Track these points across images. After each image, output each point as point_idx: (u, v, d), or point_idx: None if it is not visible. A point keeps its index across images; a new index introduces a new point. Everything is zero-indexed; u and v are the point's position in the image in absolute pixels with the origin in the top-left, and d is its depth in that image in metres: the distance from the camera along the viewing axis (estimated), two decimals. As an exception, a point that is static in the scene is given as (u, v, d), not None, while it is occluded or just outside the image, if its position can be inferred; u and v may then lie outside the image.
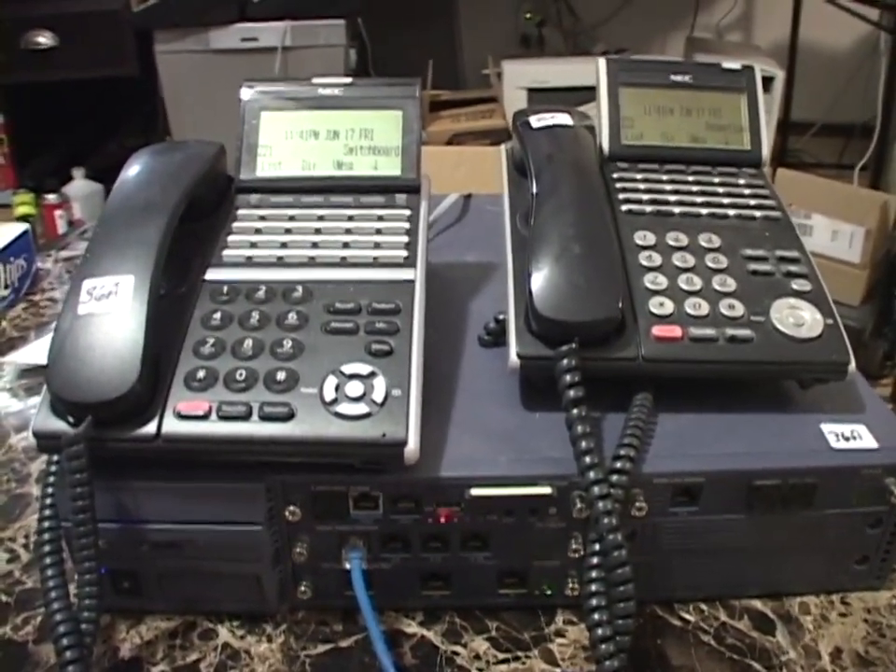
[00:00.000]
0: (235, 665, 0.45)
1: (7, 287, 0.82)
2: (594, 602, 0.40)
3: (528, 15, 2.67)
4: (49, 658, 0.45)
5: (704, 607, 0.49)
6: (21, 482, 0.59)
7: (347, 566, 0.45)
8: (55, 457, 0.46)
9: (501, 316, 0.54)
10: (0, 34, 1.76)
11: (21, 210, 1.91)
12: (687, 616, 0.48)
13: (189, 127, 1.77)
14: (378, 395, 0.43)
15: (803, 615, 0.49)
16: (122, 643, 0.47)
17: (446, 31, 2.57)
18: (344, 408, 0.42)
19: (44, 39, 1.77)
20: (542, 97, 2.06)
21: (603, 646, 0.39)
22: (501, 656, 0.46)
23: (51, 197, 2.02)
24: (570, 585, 0.47)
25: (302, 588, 0.47)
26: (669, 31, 2.72)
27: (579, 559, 0.45)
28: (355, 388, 0.43)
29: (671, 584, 0.49)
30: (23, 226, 0.88)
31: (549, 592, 0.48)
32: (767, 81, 2.08)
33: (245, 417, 0.42)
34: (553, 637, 0.47)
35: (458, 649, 0.46)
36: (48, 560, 0.44)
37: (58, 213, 2.01)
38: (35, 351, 0.74)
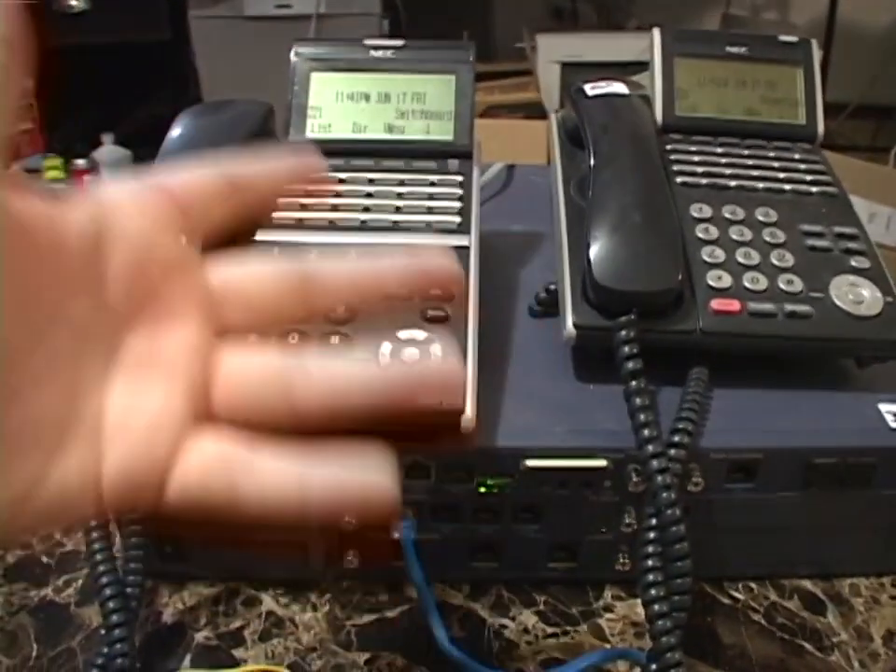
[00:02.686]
0: (280, 632, 0.45)
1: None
2: (650, 577, 0.39)
3: (561, -13, 2.63)
4: (92, 620, 0.45)
5: (753, 585, 0.48)
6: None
7: (396, 535, 0.44)
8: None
9: (552, 286, 0.53)
10: (32, -4, 1.74)
11: (51, 174, 1.91)
12: (737, 594, 0.48)
13: (221, 94, 1.75)
14: (434, 361, 0.42)
15: (854, 597, 0.48)
16: (165, 608, 0.46)
17: (478, 3, 2.54)
18: (400, 374, 0.41)
19: (75, 2, 1.76)
20: (576, 71, 2.03)
21: (660, 622, 0.38)
22: (550, 630, 0.45)
23: (80, 162, 2.01)
24: (621, 560, 0.46)
25: (349, 557, 0.46)
26: (704, 7, 2.68)
27: (631, 534, 0.45)
28: (410, 354, 0.42)
29: (722, 562, 0.48)
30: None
31: (599, 567, 0.47)
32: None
33: None
34: (601, 611, 0.47)
35: (506, 622, 0.46)
36: (92, 522, 0.43)
37: (87, 178, 2.00)
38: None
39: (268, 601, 0.47)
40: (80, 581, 0.48)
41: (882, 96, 2.52)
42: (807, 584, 0.49)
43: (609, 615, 0.46)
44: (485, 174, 0.77)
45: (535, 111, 1.80)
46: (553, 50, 2.06)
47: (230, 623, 0.45)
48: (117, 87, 2.11)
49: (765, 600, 0.48)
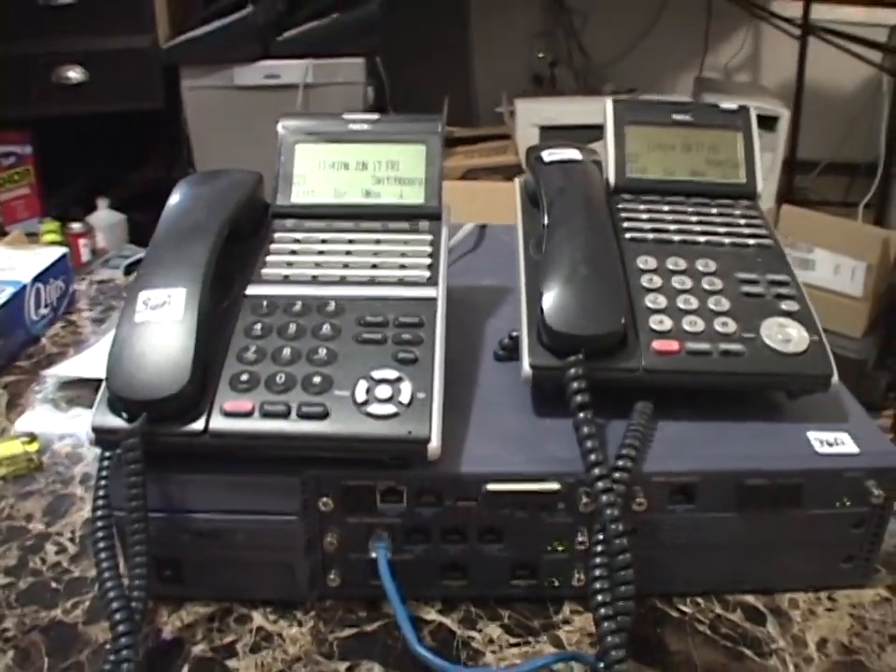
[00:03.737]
0: (269, 645, 0.50)
1: (46, 306, 0.87)
2: (597, 585, 0.44)
3: (541, 54, 2.74)
4: (98, 638, 0.50)
5: (700, 600, 0.53)
6: (66, 483, 0.64)
7: (374, 555, 0.49)
8: (108, 453, 0.50)
9: (515, 333, 0.59)
10: (32, 69, 1.83)
11: (48, 238, 1.97)
12: (684, 608, 0.53)
13: (212, 161, 1.84)
14: (405, 397, 0.47)
15: (792, 609, 0.53)
16: (164, 626, 0.51)
17: (460, 69, 2.64)
18: (374, 408, 0.47)
19: (74, 74, 1.84)
20: (554, 134, 2.12)
21: (605, 624, 0.43)
22: (513, 640, 0.50)
23: (76, 226, 2.08)
24: (577, 577, 0.51)
25: (332, 576, 0.51)
26: (678, 71, 2.80)
27: (584, 552, 0.50)
28: (384, 391, 0.48)
29: (669, 579, 0.53)
30: (62, 250, 0.94)
31: (557, 583, 0.52)
32: (773, 121, 2.14)
33: (285, 415, 0.47)
34: (560, 624, 0.51)
35: (474, 633, 0.51)
36: (101, 545, 0.48)
37: (82, 241, 2.06)
38: (75, 365, 0.79)
39: (258, 618, 0.51)
40: (87, 604, 0.52)
41: (852, 153, 2.62)
42: (750, 599, 0.53)
43: (567, 627, 0.51)
44: (458, 233, 0.83)
45: (513, 173, 1.87)
46: (531, 114, 2.16)
47: (223, 638, 0.50)
48: (112, 154, 2.19)
49: (711, 613, 0.52)
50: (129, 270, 1.24)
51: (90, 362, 0.78)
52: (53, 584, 0.54)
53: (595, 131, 0.69)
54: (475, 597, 0.53)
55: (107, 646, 0.46)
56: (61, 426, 0.71)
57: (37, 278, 0.85)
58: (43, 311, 0.87)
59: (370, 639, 0.50)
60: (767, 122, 2.11)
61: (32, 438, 0.67)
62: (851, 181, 2.65)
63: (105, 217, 2.15)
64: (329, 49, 1.86)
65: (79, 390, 0.75)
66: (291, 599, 0.52)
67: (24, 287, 0.83)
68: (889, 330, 1.67)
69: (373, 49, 1.91)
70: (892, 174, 2.19)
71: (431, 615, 0.52)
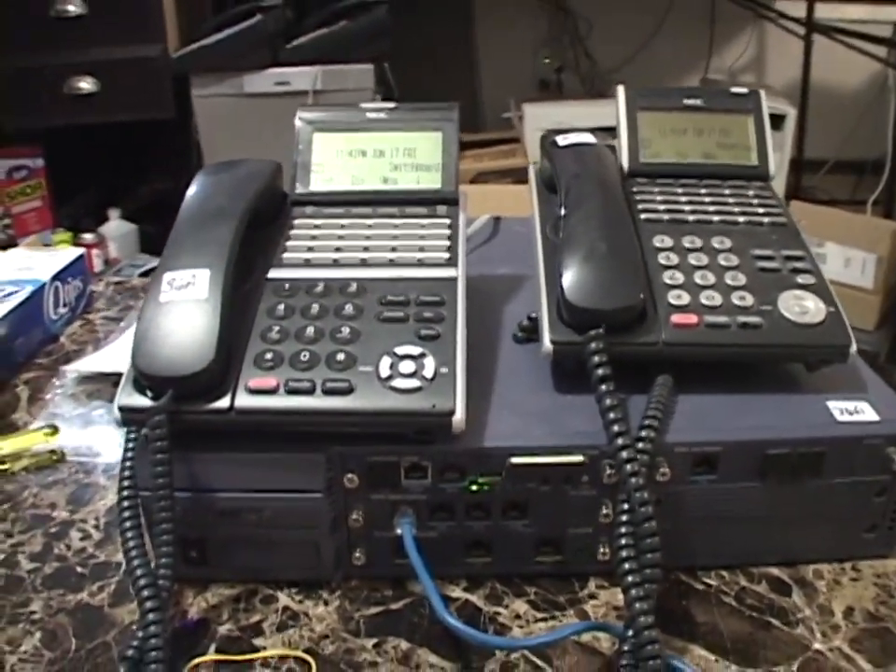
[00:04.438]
0: (295, 624, 0.50)
1: (64, 305, 0.88)
2: (624, 553, 0.44)
3: (547, 60, 2.76)
4: (125, 619, 0.50)
5: (724, 573, 0.53)
6: (89, 473, 0.64)
7: (399, 531, 0.50)
8: (133, 435, 0.51)
9: (534, 315, 0.59)
10: (44, 80, 1.85)
11: (61, 248, 1.99)
12: (709, 581, 0.53)
13: (223, 168, 1.85)
14: (428, 372, 0.48)
15: (817, 580, 0.53)
16: (190, 607, 0.51)
17: (467, 76, 2.66)
18: (399, 383, 0.47)
19: (85, 85, 1.85)
20: (561, 137, 2.13)
21: (633, 591, 0.43)
22: (539, 615, 0.50)
23: (88, 236, 2.10)
24: (602, 551, 0.51)
25: (357, 554, 0.51)
26: (684, 74, 2.80)
27: (609, 525, 0.50)
28: (407, 366, 0.48)
29: (694, 551, 0.53)
30: (79, 250, 0.94)
31: (582, 559, 0.52)
32: (779, 119, 2.15)
33: (310, 392, 0.47)
34: (587, 599, 0.51)
35: (500, 609, 0.51)
36: (128, 524, 0.49)
37: (94, 252, 2.08)
38: (95, 360, 0.79)
39: (284, 598, 0.52)
40: (113, 587, 0.53)
41: (859, 151, 2.63)
42: (774, 571, 0.54)
43: (593, 602, 0.51)
44: (473, 224, 0.84)
45: (522, 176, 1.88)
46: (539, 119, 2.17)
47: (250, 618, 0.50)
48: (123, 165, 2.21)
49: (736, 585, 0.53)
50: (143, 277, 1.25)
51: (109, 358, 0.79)
52: (79, 569, 0.54)
53: (604, 133, 0.69)
54: (500, 575, 0.53)
55: (134, 625, 0.46)
56: (82, 418, 0.72)
57: (56, 277, 0.86)
58: (61, 310, 0.88)
59: (396, 617, 0.51)
60: (774, 121, 2.09)
61: (54, 430, 0.68)
62: (859, 179, 2.66)
63: (116, 227, 2.17)
64: (337, 55, 1.87)
65: (99, 384, 0.76)
66: (317, 579, 0.53)
67: (43, 285, 0.84)
68: (901, 323, 1.67)
69: (382, 55, 1.93)
70: (900, 170, 2.19)
71: (457, 593, 0.52)
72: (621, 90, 0.70)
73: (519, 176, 1.97)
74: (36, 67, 1.83)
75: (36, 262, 0.89)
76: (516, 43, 2.73)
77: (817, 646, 0.48)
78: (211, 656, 0.47)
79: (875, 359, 1.58)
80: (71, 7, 1.81)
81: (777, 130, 2.15)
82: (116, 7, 1.81)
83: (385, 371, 0.48)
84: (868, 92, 2.65)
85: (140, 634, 0.44)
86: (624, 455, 0.46)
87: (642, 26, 2.68)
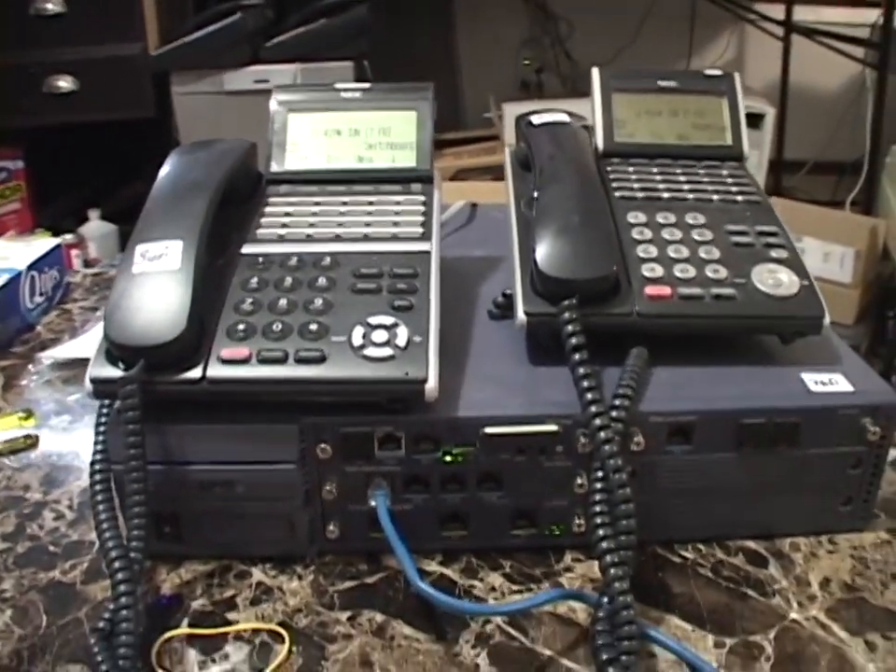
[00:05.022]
0: (269, 598, 0.50)
1: (41, 294, 0.88)
2: (598, 520, 0.45)
3: (527, 61, 2.77)
4: (97, 595, 0.50)
5: (701, 546, 0.53)
6: (63, 456, 0.64)
7: (373, 503, 0.49)
8: (106, 409, 0.50)
9: (508, 291, 0.59)
10: (23, 79, 1.84)
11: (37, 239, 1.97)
12: (686, 554, 0.53)
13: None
14: (401, 340, 0.48)
15: (793, 552, 0.53)
16: (163, 583, 0.51)
17: (448, 75, 2.66)
18: (371, 351, 0.47)
19: (65, 84, 1.85)
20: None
21: (608, 557, 0.43)
22: (515, 588, 0.50)
23: (68, 237, 2.08)
24: (577, 523, 0.51)
25: (331, 527, 0.51)
26: (663, 75, 2.81)
27: (584, 496, 0.50)
28: (380, 335, 0.48)
29: (670, 525, 0.53)
30: (56, 240, 0.94)
31: (557, 532, 0.52)
32: (758, 118, 2.16)
33: (282, 361, 0.47)
34: (562, 572, 0.51)
35: (475, 583, 0.50)
36: (100, 497, 0.49)
37: (74, 252, 2.07)
38: (71, 347, 0.79)
39: (258, 574, 0.51)
40: (86, 565, 0.52)
41: (838, 152, 2.65)
42: (751, 544, 0.54)
43: (569, 574, 0.51)
44: (450, 208, 0.84)
45: (502, 173, 1.88)
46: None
47: (223, 593, 0.50)
48: (103, 166, 2.20)
49: (712, 558, 0.52)
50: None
51: (85, 345, 0.78)
52: (51, 548, 0.54)
53: (579, 116, 0.69)
54: (476, 549, 0.53)
55: (107, 601, 0.46)
56: (58, 404, 0.71)
57: (32, 266, 0.85)
58: (38, 299, 0.87)
59: (370, 590, 0.50)
60: (753, 120, 2.13)
61: (28, 414, 0.67)
62: (838, 180, 2.67)
63: (96, 227, 2.16)
64: (318, 53, 1.87)
65: (75, 370, 0.75)
66: (291, 554, 0.52)
67: (19, 274, 0.83)
68: (879, 319, 1.68)
69: (361, 53, 1.93)
70: (878, 170, 2.21)
71: (432, 567, 0.52)
72: (595, 72, 0.70)
73: (498, 174, 1.96)
74: (15, 66, 1.82)
75: (13, 252, 0.88)
76: (497, 43, 2.74)
77: (793, 615, 0.48)
78: (183, 630, 0.47)
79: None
80: (50, 6, 1.80)
81: (756, 129, 2.16)
82: (95, 5, 1.81)
83: (357, 340, 0.48)
84: (846, 94, 2.67)
85: (111, 606, 0.44)
86: (598, 422, 0.46)
87: (622, 28, 2.69)
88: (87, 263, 2.12)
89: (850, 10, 2.52)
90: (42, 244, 0.92)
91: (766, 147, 2.20)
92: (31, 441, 0.65)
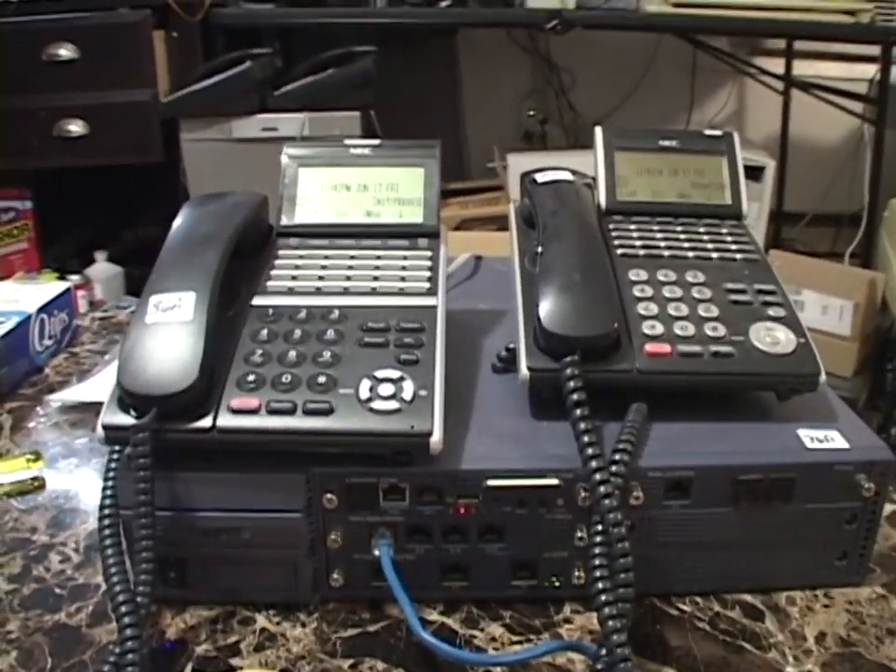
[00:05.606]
0: (273, 645, 0.50)
1: (50, 337, 0.89)
2: (597, 573, 0.45)
3: (531, 112, 2.81)
4: (102, 639, 0.50)
5: (698, 599, 0.54)
6: (70, 499, 0.65)
7: (377, 552, 0.50)
8: (116, 455, 0.52)
9: (512, 346, 0.60)
10: (34, 122, 1.87)
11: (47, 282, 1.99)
12: (683, 607, 0.53)
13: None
14: (407, 394, 0.49)
15: (789, 606, 0.54)
16: (168, 627, 0.51)
17: (453, 126, 2.71)
18: (378, 405, 0.48)
19: (75, 128, 1.87)
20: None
21: (606, 609, 0.44)
22: (515, 638, 0.51)
23: (74, 278, 2.09)
24: (577, 575, 0.52)
25: (335, 576, 0.52)
26: (666, 126, 2.86)
27: (583, 549, 0.50)
28: (386, 389, 0.49)
29: (667, 578, 0.54)
30: (66, 284, 0.95)
31: (557, 584, 0.53)
32: (758, 171, 2.19)
33: (291, 412, 0.48)
34: (562, 623, 0.52)
35: (476, 632, 0.51)
36: (108, 542, 0.49)
37: (80, 293, 2.08)
38: (79, 391, 0.80)
39: (261, 620, 0.52)
40: (91, 608, 0.53)
41: (837, 205, 2.68)
42: (748, 597, 0.54)
43: (568, 626, 0.52)
44: (455, 261, 0.86)
45: (506, 223, 1.91)
46: (522, 167, 2.18)
47: (227, 639, 0.50)
48: (111, 207, 2.23)
49: (710, 611, 0.53)
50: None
51: (93, 388, 0.79)
52: (57, 590, 0.55)
53: (582, 173, 0.71)
54: (477, 599, 0.53)
55: (112, 644, 0.47)
56: (65, 447, 0.72)
57: (42, 309, 0.87)
58: (47, 342, 0.88)
59: (372, 638, 0.51)
60: (753, 172, 2.16)
61: (36, 456, 0.68)
62: (838, 231, 2.71)
63: (102, 269, 2.18)
64: (325, 103, 1.90)
65: (83, 414, 0.76)
66: (295, 601, 0.53)
67: (29, 317, 0.85)
68: (878, 371, 1.69)
69: (368, 103, 1.96)
70: (876, 223, 2.23)
71: (433, 616, 0.52)
72: (598, 130, 0.72)
73: (502, 224, 1.98)
74: (26, 109, 1.85)
75: (23, 295, 0.90)
76: (501, 94, 2.78)
77: (789, 669, 0.49)
78: (187, 675, 0.48)
79: (853, 405, 1.59)
80: (63, 52, 1.84)
81: (756, 181, 2.19)
82: (107, 52, 1.84)
83: (364, 393, 0.49)
84: (845, 148, 2.71)
85: (117, 650, 0.44)
86: (598, 477, 0.47)
87: (625, 79, 2.74)
88: (92, 305, 2.13)
89: (848, 65, 2.57)
90: (52, 287, 0.93)
91: (766, 199, 2.23)
92: (38, 484, 0.66)
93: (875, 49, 2.23)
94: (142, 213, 2.25)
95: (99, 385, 0.79)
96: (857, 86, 2.39)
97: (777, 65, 2.61)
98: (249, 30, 2.04)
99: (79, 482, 0.67)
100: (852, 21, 2.08)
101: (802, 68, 2.59)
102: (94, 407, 0.75)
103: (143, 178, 2.02)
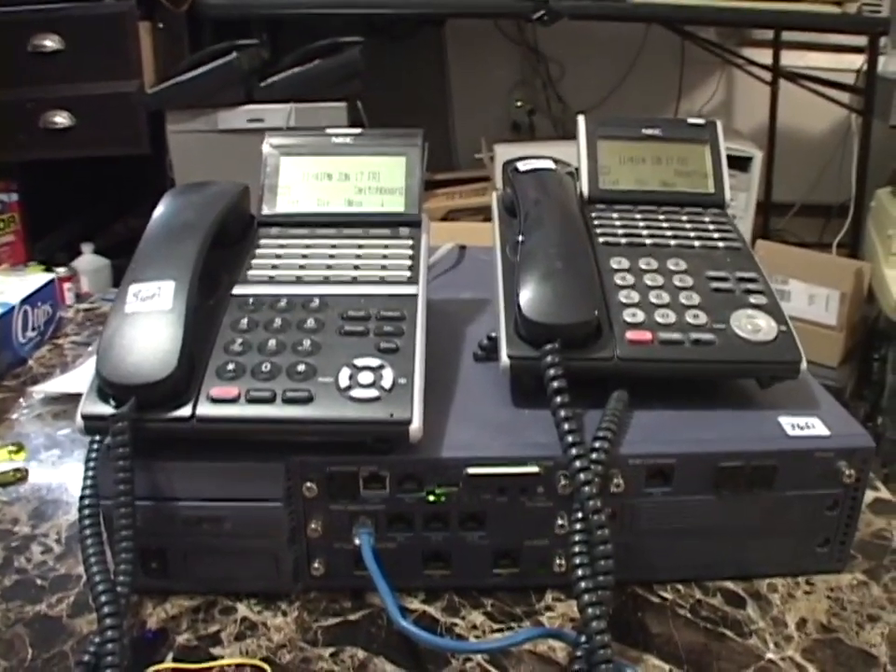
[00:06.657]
0: (253, 634, 0.50)
1: (33, 329, 0.89)
2: (577, 560, 0.45)
3: (519, 103, 2.80)
4: (83, 629, 0.50)
5: (680, 586, 0.54)
6: (52, 490, 0.64)
7: (357, 541, 0.50)
8: (96, 445, 0.51)
9: (493, 334, 0.60)
10: (20, 114, 1.85)
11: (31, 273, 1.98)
12: (665, 594, 0.53)
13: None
14: (386, 382, 0.49)
15: (771, 593, 0.54)
16: (149, 617, 0.51)
17: (440, 116, 2.70)
18: (357, 393, 0.48)
19: (61, 119, 1.86)
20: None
21: (586, 596, 0.44)
22: (496, 626, 0.51)
23: (61, 270, 2.08)
24: (557, 562, 0.52)
25: (316, 565, 0.52)
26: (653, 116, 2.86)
27: (564, 537, 0.50)
28: (366, 377, 0.49)
29: (649, 566, 0.54)
30: (50, 275, 0.95)
31: (538, 571, 0.53)
32: (746, 161, 2.19)
33: (271, 401, 0.48)
34: (543, 611, 0.52)
35: (457, 621, 0.51)
36: (88, 532, 0.49)
37: (66, 286, 2.07)
38: (62, 382, 0.79)
39: (243, 609, 0.52)
40: (72, 598, 0.53)
41: (825, 195, 2.68)
42: (729, 585, 0.54)
43: (549, 613, 0.52)
44: (439, 251, 0.86)
45: (494, 212, 1.91)
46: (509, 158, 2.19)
47: (208, 628, 0.50)
48: (98, 199, 2.22)
49: (691, 598, 0.53)
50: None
51: (76, 379, 0.79)
52: (38, 581, 0.54)
53: (565, 162, 0.71)
54: (458, 587, 0.53)
55: (92, 633, 0.46)
56: (48, 438, 0.72)
57: (25, 301, 0.87)
58: (30, 333, 0.88)
59: (353, 627, 0.51)
60: (740, 163, 2.16)
61: (19, 447, 0.68)
62: (825, 222, 2.71)
63: (89, 261, 2.17)
64: (311, 94, 1.89)
65: (66, 405, 0.76)
66: (276, 590, 0.53)
67: (12, 308, 0.84)
68: (865, 361, 1.70)
69: (354, 94, 1.96)
70: (864, 213, 2.24)
71: (415, 604, 0.52)
72: (581, 119, 0.72)
73: (490, 214, 1.99)
74: (12, 101, 1.84)
75: (7, 286, 0.89)
76: (490, 84, 2.78)
77: (770, 656, 0.49)
78: (168, 664, 0.47)
79: (839, 395, 1.60)
80: (48, 43, 1.82)
81: (744, 171, 2.19)
82: (93, 43, 1.83)
83: (344, 381, 0.49)
84: (833, 138, 2.71)
85: (97, 640, 0.44)
86: (578, 464, 0.47)
87: (613, 70, 2.73)
88: (79, 297, 2.12)
89: (836, 56, 2.57)
90: (35, 279, 0.93)
91: (754, 189, 2.23)
92: (20, 475, 0.65)
93: (862, 40, 2.23)
94: (129, 205, 2.24)
95: (82, 377, 0.79)
96: (844, 76, 2.39)
97: (764, 56, 2.60)
98: (235, 21, 2.02)
99: (62, 473, 0.67)
100: (840, 11, 2.09)
101: (790, 59, 2.59)
102: (77, 398, 0.74)
103: (130, 170, 2.01)
